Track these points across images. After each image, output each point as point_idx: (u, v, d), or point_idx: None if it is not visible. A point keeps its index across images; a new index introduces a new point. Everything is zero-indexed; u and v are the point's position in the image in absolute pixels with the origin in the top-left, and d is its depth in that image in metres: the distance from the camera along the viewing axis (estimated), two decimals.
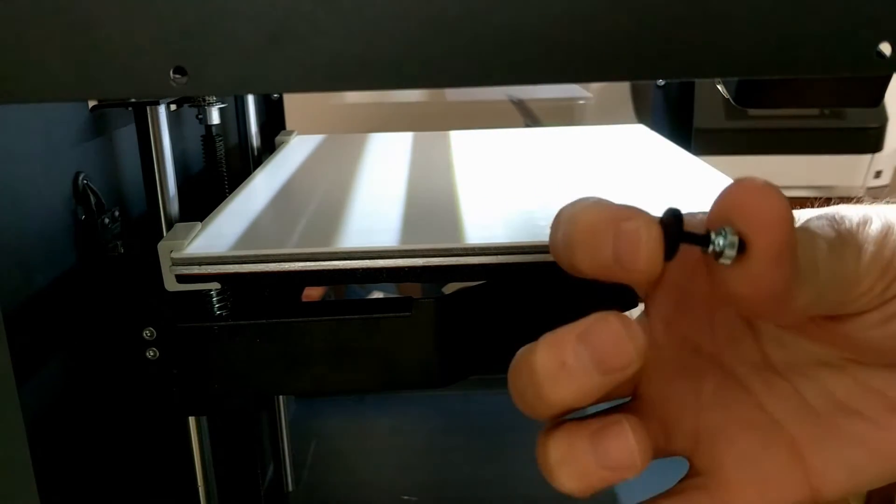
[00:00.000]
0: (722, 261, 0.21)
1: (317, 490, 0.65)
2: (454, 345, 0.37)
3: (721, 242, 0.20)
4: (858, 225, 0.24)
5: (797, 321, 0.25)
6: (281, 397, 0.65)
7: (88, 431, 0.37)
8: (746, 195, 0.21)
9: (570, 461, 0.24)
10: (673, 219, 0.21)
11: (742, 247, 0.20)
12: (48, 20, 0.23)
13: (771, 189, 0.21)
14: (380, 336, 0.36)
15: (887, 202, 0.27)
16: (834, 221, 0.24)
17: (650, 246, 0.21)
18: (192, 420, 0.41)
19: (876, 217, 0.25)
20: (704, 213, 0.23)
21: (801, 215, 0.26)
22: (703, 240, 0.21)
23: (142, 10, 0.23)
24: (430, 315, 0.36)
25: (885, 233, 0.24)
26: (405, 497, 0.62)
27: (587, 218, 0.22)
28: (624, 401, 0.28)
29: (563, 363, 0.22)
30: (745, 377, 0.27)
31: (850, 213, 0.25)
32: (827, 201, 0.29)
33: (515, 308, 0.41)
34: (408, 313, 0.36)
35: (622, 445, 0.23)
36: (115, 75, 0.24)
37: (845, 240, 0.24)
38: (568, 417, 0.24)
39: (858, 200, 0.27)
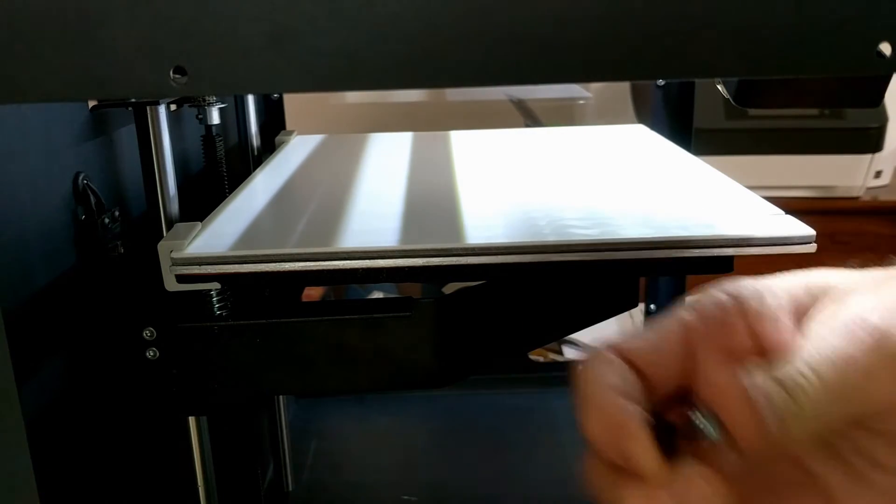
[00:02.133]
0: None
1: (317, 490, 0.65)
2: (454, 345, 0.37)
3: (711, 430, 0.23)
4: (872, 333, 0.22)
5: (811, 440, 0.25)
6: (281, 397, 0.65)
7: (88, 431, 0.37)
8: (728, 402, 0.23)
9: None
10: (661, 431, 0.24)
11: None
12: (48, 20, 0.23)
13: (748, 403, 0.22)
14: (380, 336, 0.36)
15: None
16: (848, 330, 0.22)
17: (648, 457, 0.23)
18: (192, 420, 0.41)
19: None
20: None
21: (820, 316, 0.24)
22: (693, 433, 0.24)
23: (142, 10, 0.23)
24: (430, 315, 0.36)
25: None
26: (405, 497, 0.62)
27: (594, 429, 0.24)
28: None
29: None
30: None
31: (874, 315, 0.23)
32: (827, 202, 0.28)
33: (515, 308, 0.41)
34: (408, 313, 0.36)
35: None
36: (115, 75, 0.24)
37: (847, 362, 0.22)
38: None
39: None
